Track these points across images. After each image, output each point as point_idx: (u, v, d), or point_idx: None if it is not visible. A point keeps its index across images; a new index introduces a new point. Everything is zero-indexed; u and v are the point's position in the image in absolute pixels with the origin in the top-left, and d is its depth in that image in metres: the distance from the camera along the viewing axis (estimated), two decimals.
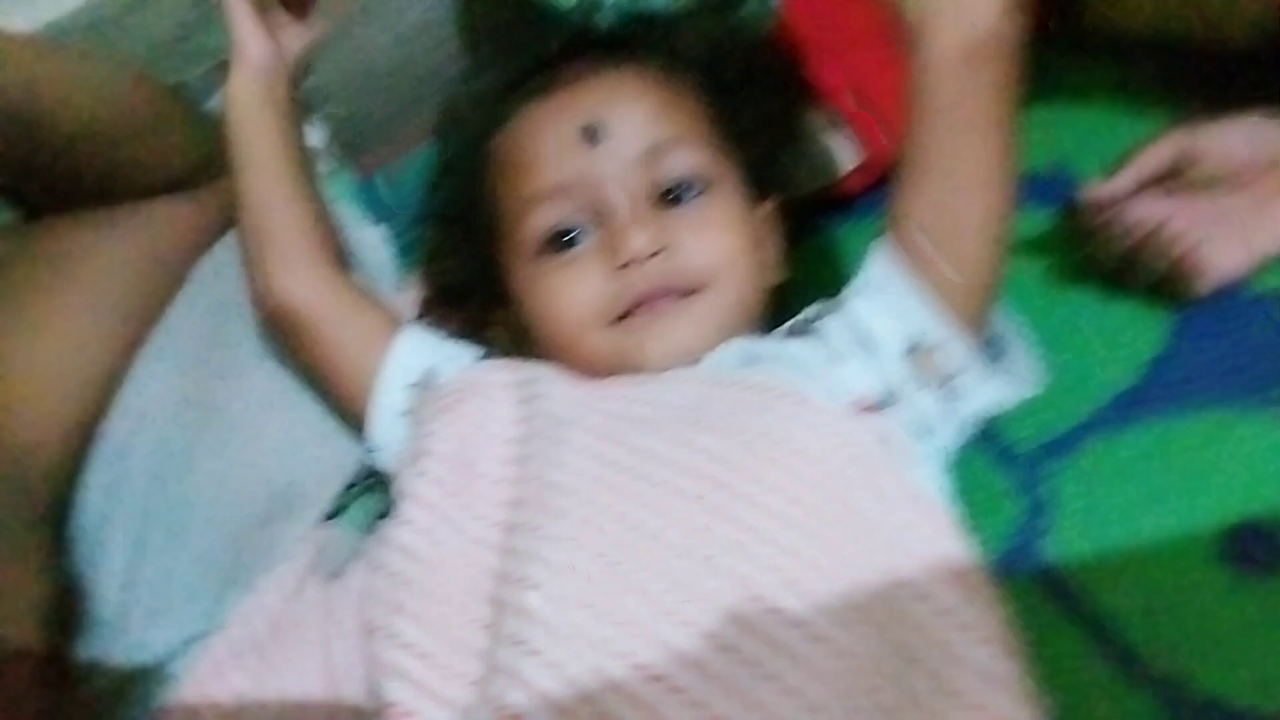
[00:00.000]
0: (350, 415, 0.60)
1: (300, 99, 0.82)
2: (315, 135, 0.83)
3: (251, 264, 0.62)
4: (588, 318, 0.55)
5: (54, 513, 0.58)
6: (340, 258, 0.64)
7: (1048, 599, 0.54)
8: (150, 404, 0.62)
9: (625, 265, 0.54)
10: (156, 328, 0.65)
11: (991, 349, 0.51)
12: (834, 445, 0.47)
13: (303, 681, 0.55)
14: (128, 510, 0.59)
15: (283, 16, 0.65)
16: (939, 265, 0.49)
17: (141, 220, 0.67)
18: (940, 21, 0.47)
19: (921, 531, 0.45)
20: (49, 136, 0.61)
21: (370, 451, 0.59)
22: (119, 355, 0.63)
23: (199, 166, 0.70)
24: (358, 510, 0.60)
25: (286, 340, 0.62)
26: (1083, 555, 0.54)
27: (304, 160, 0.64)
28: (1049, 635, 0.52)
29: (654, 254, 0.54)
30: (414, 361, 0.59)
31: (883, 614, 0.43)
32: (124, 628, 0.56)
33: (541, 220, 0.56)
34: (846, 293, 0.53)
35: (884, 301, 0.50)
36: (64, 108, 0.61)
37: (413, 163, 0.88)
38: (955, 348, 0.49)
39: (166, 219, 0.68)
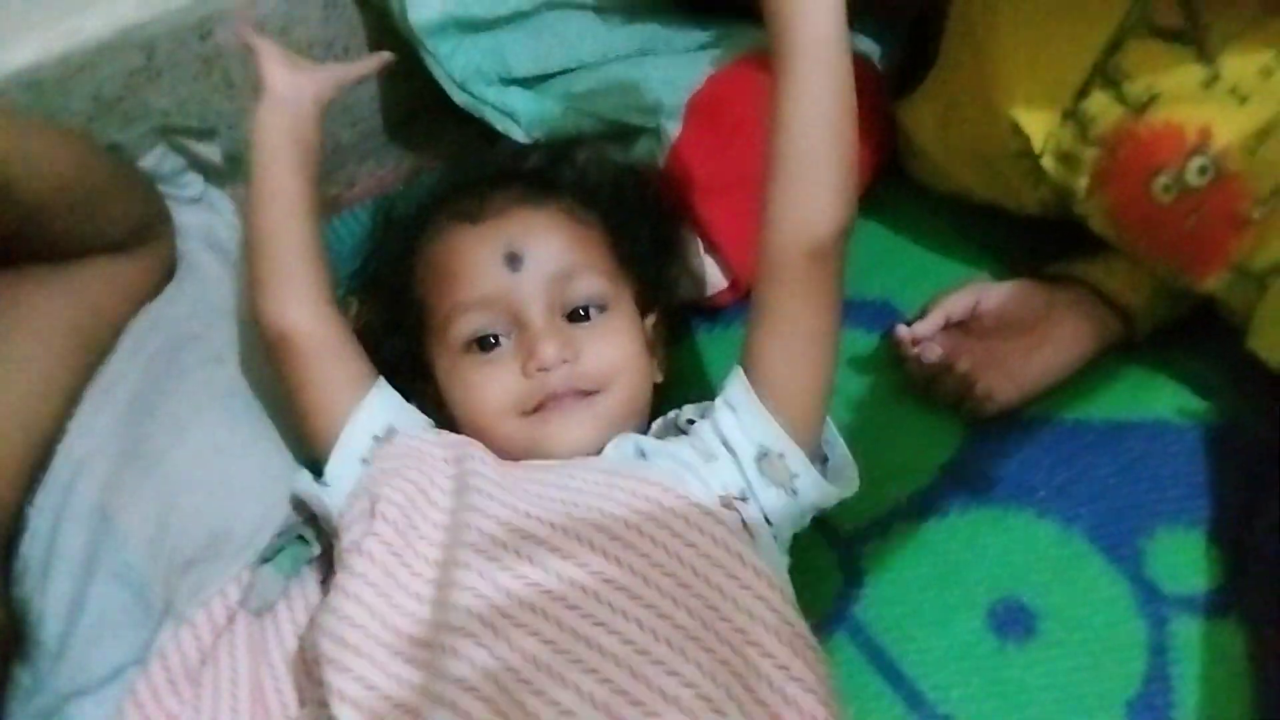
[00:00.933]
0: (312, 444, 0.67)
1: (228, 167, 0.89)
2: (238, 194, 0.89)
3: (259, 287, 0.68)
4: (503, 409, 0.65)
5: (6, 548, 0.63)
6: (334, 297, 0.70)
7: (859, 652, 0.68)
8: (91, 449, 0.67)
9: (539, 370, 0.65)
10: (96, 379, 0.71)
11: (821, 454, 0.65)
12: (702, 531, 0.58)
13: (234, 706, 0.62)
14: (71, 546, 0.64)
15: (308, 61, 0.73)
16: (777, 398, 0.61)
17: (83, 278, 0.72)
18: (783, 226, 0.59)
19: (767, 602, 0.57)
20: (9, 201, 0.65)
21: (323, 485, 0.66)
22: (61, 403, 0.69)
23: (138, 228, 0.76)
24: (286, 556, 0.68)
25: (278, 362, 0.68)
26: (886, 618, 0.69)
27: (316, 199, 0.71)
28: (858, 681, 0.66)
29: (562, 361, 0.65)
30: (381, 416, 0.67)
31: (739, 666, 0.54)
32: (65, 654, 0.61)
33: (467, 326, 0.67)
34: (715, 403, 0.65)
35: (739, 417, 0.62)
36: (18, 179, 0.65)
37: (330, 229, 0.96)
38: (794, 456, 0.61)
39: (106, 277, 0.74)
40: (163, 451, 0.69)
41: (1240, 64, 0.66)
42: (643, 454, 0.64)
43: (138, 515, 0.66)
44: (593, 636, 0.53)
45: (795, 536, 0.66)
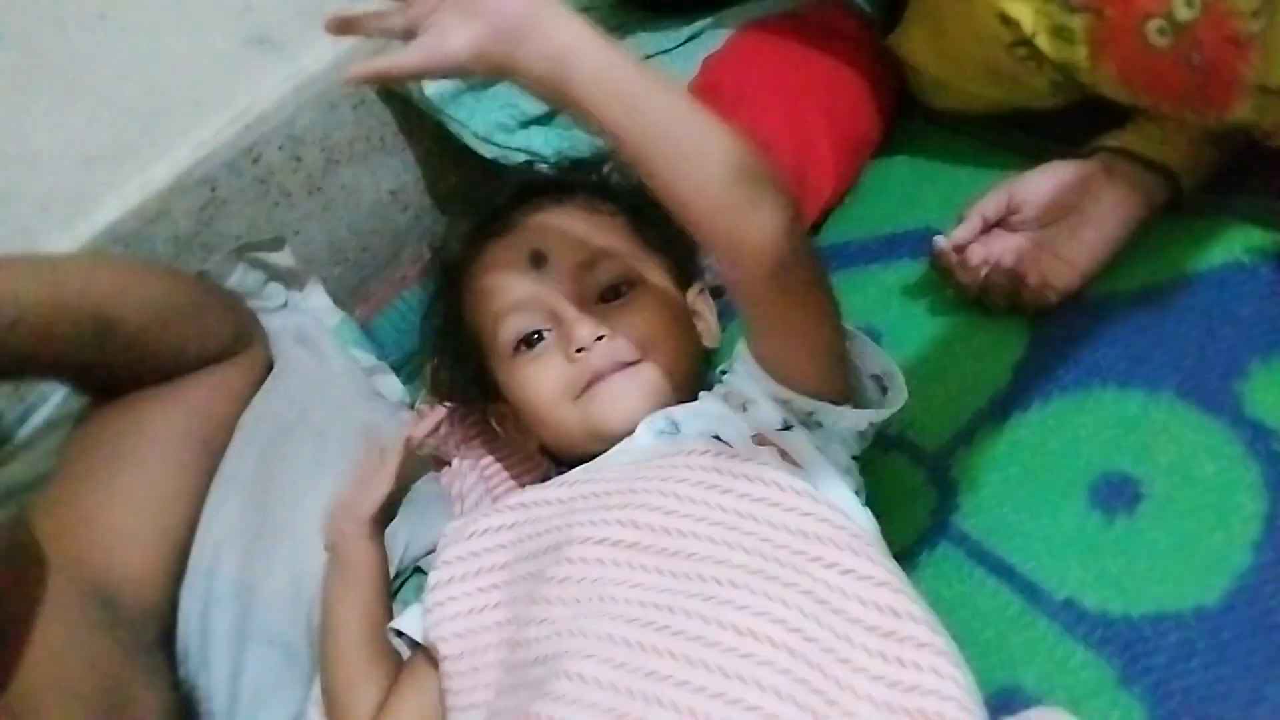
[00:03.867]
0: None
1: (300, 265, 0.97)
2: (317, 292, 0.98)
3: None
4: (557, 396, 0.70)
5: (166, 637, 0.70)
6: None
7: (966, 557, 0.67)
8: (223, 536, 0.75)
9: (579, 351, 0.69)
10: (219, 473, 0.79)
11: (880, 382, 0.65)
12: (735, 475, 0.60)
13: None
14: (221, 625, 0.71)
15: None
16: (780, 375, 0.63)
17: (191, 389, 0.80)
18: (732, 257, 0.58)
19: (816, 515, 0.58)
20: (117, 335, 0.73)
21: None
22: (191, 502, 0.76)
23: (233, 338, 0.84)
24: (409, 588, 0.73)
25: None
26: (987, 521, 0.68)
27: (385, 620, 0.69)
28: (971, 584, 0.66)
29: (599, 339, 0.69)
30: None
31: (807, 583, 0.55)
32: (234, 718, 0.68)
33: (509, 329, 0.72)
34: (735, 358, 0.67)
35: (750, 379, 0.65)
36: (129, 309, 0.74)
37: (398, 307, 1.04)
38: (800, 401, 0.63)
39: (212, 385, 0.81)
40: (285, 522, 0.76)
41: None
42: (675, 425, 0.66)
43: (275, 583, 0.73)
44: (667, 603, 0.55)
45: (880, 460, 0.68)
